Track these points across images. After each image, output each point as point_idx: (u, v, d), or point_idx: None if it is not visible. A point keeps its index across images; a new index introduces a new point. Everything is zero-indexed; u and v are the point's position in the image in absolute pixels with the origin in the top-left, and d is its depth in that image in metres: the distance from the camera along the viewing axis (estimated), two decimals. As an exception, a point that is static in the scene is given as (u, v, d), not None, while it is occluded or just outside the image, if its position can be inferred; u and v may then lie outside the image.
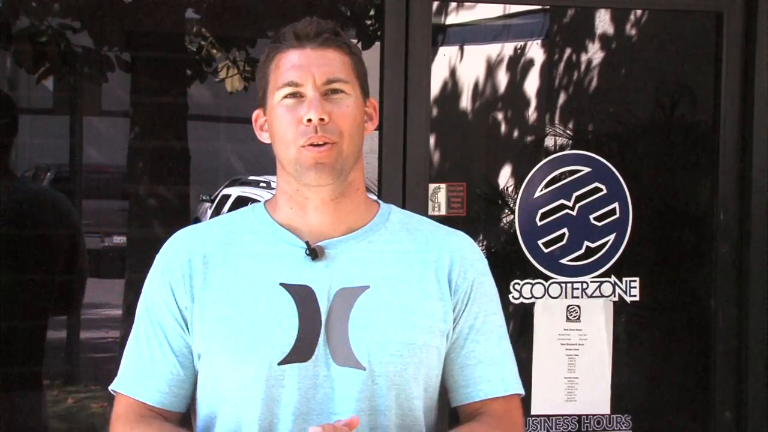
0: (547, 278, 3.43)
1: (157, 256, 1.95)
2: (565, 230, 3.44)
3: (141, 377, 1.92)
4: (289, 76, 1.85)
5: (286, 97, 1.86)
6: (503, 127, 4.28)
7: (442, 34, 4.00)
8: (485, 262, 1.98)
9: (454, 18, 4.09)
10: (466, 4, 4.03)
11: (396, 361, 1.84)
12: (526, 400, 3.38)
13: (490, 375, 1.95)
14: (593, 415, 3.46)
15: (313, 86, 1.84)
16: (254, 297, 1.85)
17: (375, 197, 2.04)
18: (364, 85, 1.92)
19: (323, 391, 1.83)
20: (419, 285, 1.89)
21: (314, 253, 1.86)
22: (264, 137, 1.94)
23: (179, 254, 1.91)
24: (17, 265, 3.50)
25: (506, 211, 3.77)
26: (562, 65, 4.19)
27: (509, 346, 1.98)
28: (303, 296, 1.84)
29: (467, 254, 1.95)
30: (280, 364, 1.82)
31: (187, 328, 1.89)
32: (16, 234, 3.50)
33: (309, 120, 1.83)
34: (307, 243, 1.87)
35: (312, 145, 1.83)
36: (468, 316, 1.93)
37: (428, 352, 1.88)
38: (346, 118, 1.85)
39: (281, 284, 1.85)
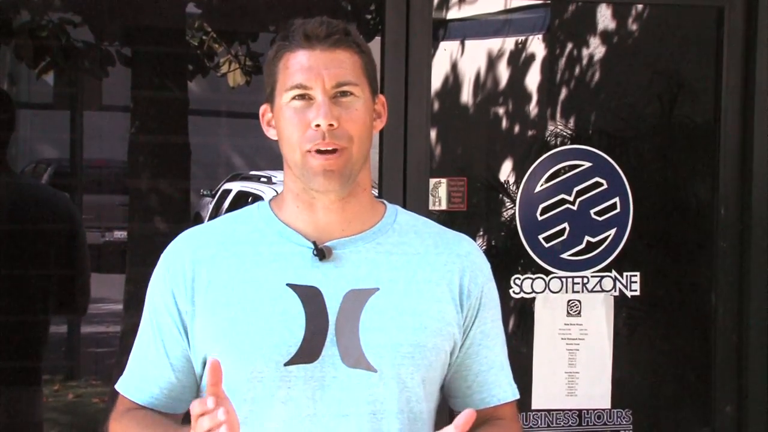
0: (547, 273, 3.43)
1: (161, 258, 1.94)
2: (565, 225, 3.44)
3: (136, 378, 1.94)
4: (297, 78, 1.82)
5: (294, 98, 1.83)
6: (504, 122, 4.28)
7: (442, 29, 3.99)
8: (489, 266, 1.98)
9: (455, 12, 4.09)
10: (467, -2, 4.03)
11: (407, 363, 1.83)
12: (526, 395, 3.39)
13: (501, 380, 1.96)
14: (594, 410, 3.46)
15: (322, 90, 1.81)
16: (260, 298, 1.84)
17: (376, 194, 2.04)
18: (373, 83, 1.90)
19: (331, 392, 1.81)
20: (429, 288, 1.88)
21: (322, 254, 1.85)
22: (271, 133, 1.92)
23: (182, 257, 1.90)
24: (14, 261, 3.50)
25: (507, 205, 3.77)
26: (563, 60, 4.19)
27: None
28: (310, 297, 1.83)
29: (476, 259, 1.95)
30: (286, 365, 1.81)
31: (186, 334, 1.88)
32: (13, 230, 3.50)
33: (317, 125, 1.81)
34: (314, 243, 1.85)
35: (319, 151, 1.81)
36: (480, 322, 1.93)
37: (437, 355, 1.87)
38: (355, 123, 1.83)
39: (288, 285, 1.84)
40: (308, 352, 1.81)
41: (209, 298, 1.86)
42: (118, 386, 1.96)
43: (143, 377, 1.93)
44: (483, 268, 1.95)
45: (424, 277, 1.89)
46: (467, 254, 1.94)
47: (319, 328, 1.82)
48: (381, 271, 1.86)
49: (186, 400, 1.93)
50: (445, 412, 2.03)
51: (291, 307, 1.82)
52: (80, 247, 3.55)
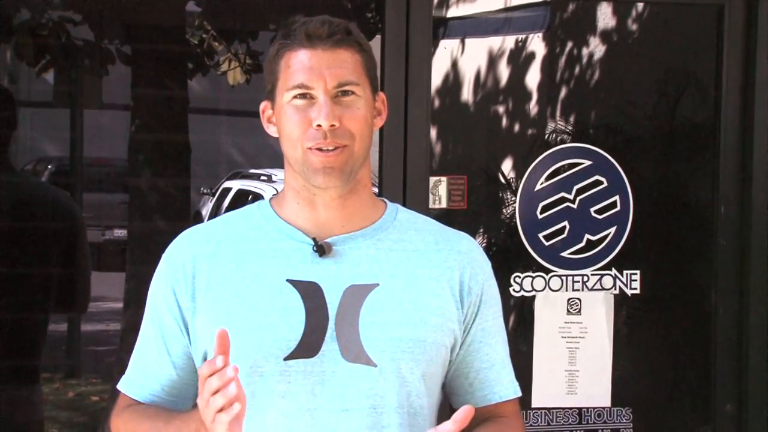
0: (547, 271, 3.43)
1: (162, 257, 1.95)
2: (565, 223, 3.44)
3: (137, 376, 1.95)
4: (299, 78, 1.83)
5: (296, 97, 1.84)
6: (504, 120, 4.28)
7: (443, 27, 3.99)
8: (490, 264, 1.98)
9: (455, 11, 4.09)
10: (467, -4, 4.02)
11: (407, 358, 1.84)
12: (526, 393, 3.39)
13: (502, 377, 1.96)
14: (594, 408, 3.46)
15: (324, 90, 1.82)
16: (260, 293, 1.85)
17: (376, 192, 2.04)
18: (374, 81, 1.91)
19: (331, 387, 1.82)
20: (429, 284, 1.89)
21: (322, 250, 1.85)
22: (272, 130, 1.93)
23: (182, 254, 1.91)
24: (14, 259, 3.49)
25: (507, 203, 3.77)
26: (563, 58, 4.19)
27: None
28: (310, 292, 1.83)
29: (476, 256, 1.96)
30: (286, 359, 1.81)
31: (187, 331, 1.90)
32: (14, 228, 3.50)
33: (319, 125, 1.82)
34: (314, 239, 1.86)
35: (320, 149, 1.82)
36: (480, 320, 1.93)
37: (438, 350, 1.88)
38: (357, 121, 1.84)
39: (288, 280, 1.84)
40: (308, 346, 1.82)
41: (209, 295, 1.87)
42: (119, 385, 1.97)
43: (144, 375, 1.94)
44: (483, 265, 1.96)
45: (424, 273, 1.89)
46: (468, 251, 1.95)
47: (319, 324, 1.82)
48: (381, 267, 1.87)
49: (186, 398, 1.94)
50: (446, 413, 2.03)
51: (291, 302, 1.83)
52: (81, 245, 3.55)
